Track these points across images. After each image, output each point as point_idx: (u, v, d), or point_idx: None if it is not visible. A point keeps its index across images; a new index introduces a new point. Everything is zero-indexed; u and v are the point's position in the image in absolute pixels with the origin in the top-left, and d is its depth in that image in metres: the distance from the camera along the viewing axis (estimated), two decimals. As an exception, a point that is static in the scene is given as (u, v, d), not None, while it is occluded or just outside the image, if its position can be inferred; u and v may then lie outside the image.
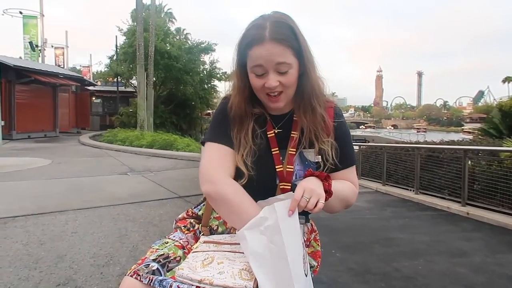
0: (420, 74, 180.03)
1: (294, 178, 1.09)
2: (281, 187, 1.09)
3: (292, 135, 1.13)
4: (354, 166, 1.20)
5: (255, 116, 1.15)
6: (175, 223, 1.26)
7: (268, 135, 1.13)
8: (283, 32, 1.02)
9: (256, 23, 1.05)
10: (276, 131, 1.14)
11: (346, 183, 1.14)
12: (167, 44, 18.76)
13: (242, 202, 1.02)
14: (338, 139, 1.14)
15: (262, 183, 1.08)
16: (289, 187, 1.08)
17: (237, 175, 1.09)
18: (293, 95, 1.10)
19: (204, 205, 1.24)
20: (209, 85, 21.83)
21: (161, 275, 0.98)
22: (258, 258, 0.92)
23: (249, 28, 1.06)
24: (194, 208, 1.28)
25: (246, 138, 1.12)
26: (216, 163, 1.09)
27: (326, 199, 0.97)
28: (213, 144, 1.12)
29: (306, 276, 0.96)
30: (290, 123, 1.14)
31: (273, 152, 1.11)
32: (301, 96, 1.11)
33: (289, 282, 0.90)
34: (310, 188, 0.95)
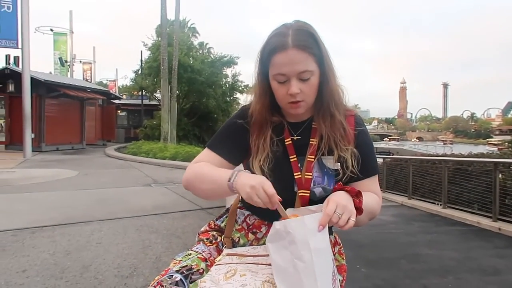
0: (445, 86, 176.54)
1: (312, 185, 1.08)
2: (299, 194, 1.07)
3: (311, 142, 1.12)
4: (377, 175, 1.17)
5: (273, 124, 1.15)
6: (198, 236, 1.25)
7: (286, 143, 1.13)
8: (305, 39, 1.03)
9: (279, 31, 1.06)
10: (294, 138, 1.14)
11: (372, 196, 1.11)
12: (190, 58, 19.11)
13: (210, 170, 1.09)
14: (359, 147, 1.12)
15: (279, 190, 1.06)
16: (308, 194, 1.07)
17: None
18: (313, 102, 1.10)
19: (226, 217, 1.24)
20: (231, 98, 22.04)
21: (185, 286, 0.97)
22: (281, 272, 0.90)
23: (271, 36, 1.07)
24: (216, 220, 1.27)
25: (264, 145, 1.12)
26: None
27: (355, 216, 0.94)
28: (208, 151, 1.18)
29: None
30: (309, 130, 1.14)
31: (291, 159, 1.10)
32: (321, 103, 1.11)
33: None
34: (343, 204, 0.92)
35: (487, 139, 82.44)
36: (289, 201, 1.05)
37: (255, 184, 0.94)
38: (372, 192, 1.13)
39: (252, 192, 0.94)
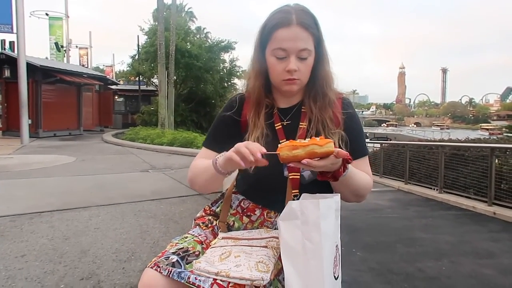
0: (444, 71, 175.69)
1: (301, 168, 1.08)
2: (290, 177, 1.09)
3: (300, 126, 1.13)
4: (367, 156, 1.18)
5: (266, 106, 1.18)
6: (194, 221, 1.28)
7: (276, 127, 1.15)
8: (308, 19, 1.07)
9: (283, 9, 1.08)
10: (284, 123, 1.15)
11: (362, 173, 1.11)
12: (188, 43, 18.92)
13: (201, 162, 1.12)
14: (348, 130, 1.14)
15: (269, 175, 1.08)
16: (298, 176, 1.09)
17: None
18: (306, 83, 1.13)
19: (221, 202, 1.26)
20: (229, 83, 21.92)
21: (181, 267, 0.99)
22: (289, 251, 0.91)
23: (275, 13, 1.09)
24: (212, 205, 1.29)
25: (259, 122, 1.15)
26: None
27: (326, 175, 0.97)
28: (204, 149, 1.22)
29: (336, 279, 0.95)
30: (299, 114, 1.16)
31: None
32: (313, 84, 1.14)
33: (319, 282, 0.88)
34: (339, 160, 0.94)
35: (480, 124, 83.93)
36: (279, 186, 1.06)
37: (234, 150, 0.94)
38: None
39: (238, 155, 0.92)
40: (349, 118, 1.15)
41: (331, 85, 1.16)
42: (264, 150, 0.92)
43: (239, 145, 0.93)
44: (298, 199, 1.05)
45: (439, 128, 70.19)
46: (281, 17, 1.06)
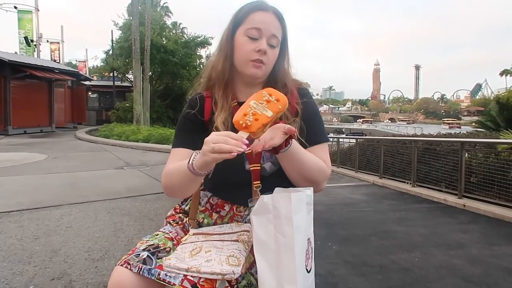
0: (417, 68, 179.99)
1: (262, 161, 1.11)
2: (251, 168, 1.09)
3: None
4: (326, 144, 1.18)
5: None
6: (165, 220, 1.27)
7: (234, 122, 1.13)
8: (281, 14, 1.13)
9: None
10: None
11: (315, 157, 1.10)
12: (163, 38, 18.67)
13: (174, 165, 1.06)
14: (304, 118, 1.15)
15: (232, 169, 1.08)
16: (259, 167, 1.09)
17: None
18: (268, 75, 1.15)
19: (190, 200, 1.25)
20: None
21: (152, 263, 0.97)
22: (262, 245, 0.91)
23: (251, 1, 1.13)
24: (182, 204, 1.28)
25: (227, 104, 1.15)
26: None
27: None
28: (174, 150, 1.17)
29: (309, 272, 0.95)
30: None
31: None
32: (273, 77, 1.16)
33: (291, 275, 0.88)
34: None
35: (443, 119, 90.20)
36: (244, 180, 1.07)
37: (212, 145, 0.86)
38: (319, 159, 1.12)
39: (216, 147, 0.86)
40: (305, 107, 1.16)
41: (289, 79, 1.19)
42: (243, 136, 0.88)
43: (216, 145, 0.85)
44: (260, 190, 1.05)
45: (405, 123, 75.61)
46: (258, 2, 1.11)
